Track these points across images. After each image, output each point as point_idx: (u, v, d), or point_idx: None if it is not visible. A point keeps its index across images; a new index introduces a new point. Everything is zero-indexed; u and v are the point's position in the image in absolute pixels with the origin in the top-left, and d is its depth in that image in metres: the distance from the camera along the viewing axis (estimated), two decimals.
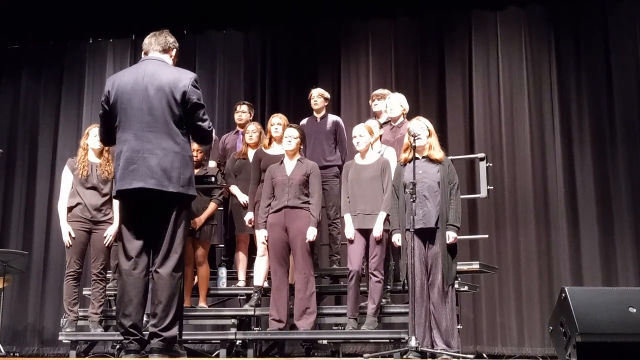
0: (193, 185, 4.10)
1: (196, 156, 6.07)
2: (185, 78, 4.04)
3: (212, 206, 6.25)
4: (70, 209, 5.93)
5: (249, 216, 6.17)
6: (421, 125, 5.41)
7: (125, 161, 3.99)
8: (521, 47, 8.46)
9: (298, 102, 8.27)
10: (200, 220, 6.13)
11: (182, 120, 4.03)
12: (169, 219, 3.99)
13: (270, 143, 6.31)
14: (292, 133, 5.87)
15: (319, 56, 9.11)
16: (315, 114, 6.90)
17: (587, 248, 7.83)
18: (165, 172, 3.95)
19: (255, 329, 6.35)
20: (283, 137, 5.94)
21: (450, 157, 5.64)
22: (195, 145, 6.11)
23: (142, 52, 4.26)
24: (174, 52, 4.25)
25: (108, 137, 4.24)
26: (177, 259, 4.00)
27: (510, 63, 8.47)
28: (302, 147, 6.06)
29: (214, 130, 4.28)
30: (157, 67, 4.08)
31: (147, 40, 4.23)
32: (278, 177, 5.80)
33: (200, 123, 4.09)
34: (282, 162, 5.88)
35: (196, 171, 6.00)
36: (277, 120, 6.34)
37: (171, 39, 4.24)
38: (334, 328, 6.05)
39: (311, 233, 5.66)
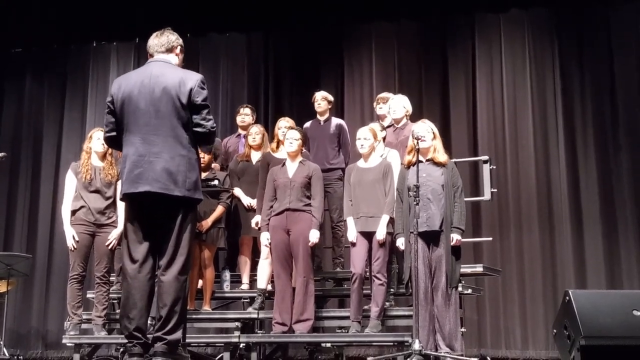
0: (199, 188, 4.08)
1: (203, 158, 6.06)
2: (191, 80, 4.02)
3: (219, 209, 6.22)
4: (73, 212, 5.93)
5: (256, 219, 6.14)
6: (426, 128, 5.42)
7: (132, 164, 3.99)
8: (524, 49, 8.44)
9: (301, 105, 8.26)
10: (207, 223, 6.10)
11: (188, 123, 4.01)
12: (174, 222, 3.98)
13: (278, 147, 6.32)
14: (294, 135, 5.88)
15: (322, 59, 9.09)
16: (318, 116, 6.90)
17: (591, 251, 7.81)
18: (170, 176, 3.94)
19: (258, 332, 6.36)
20: (285, 139, 5.95)
21: (453, 160, 5.63)
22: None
23: (148, 54, 4.24)
24: (178, 49, 4.22)
25: (113, 140, 4.19)
26: (182, 263, 3.99)
27: (514, 65, 8.45)
28: (303, 149, 6.06)
29: (215, 133, 4.22)
30: (163, 69, 4.07)
31: (150, 41, 4.21)
32: (280, 179, 5.80)
33: (203, 122, 4.03)
34: (284, 164, 5.88)
35: (204, 175, 6.01)
36: (284, 124, 6.39)
37: (173, 37, 4.21)
38: (337, 331, 6.05)
39: (314, 236, 5.66)
